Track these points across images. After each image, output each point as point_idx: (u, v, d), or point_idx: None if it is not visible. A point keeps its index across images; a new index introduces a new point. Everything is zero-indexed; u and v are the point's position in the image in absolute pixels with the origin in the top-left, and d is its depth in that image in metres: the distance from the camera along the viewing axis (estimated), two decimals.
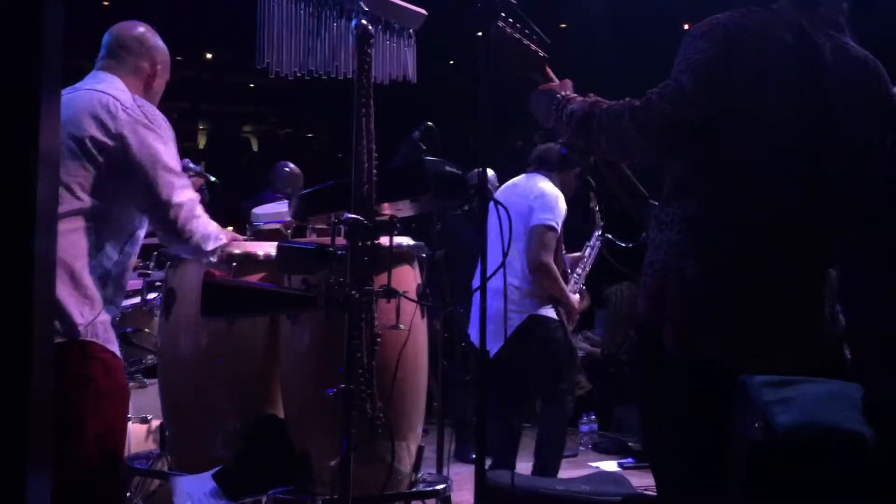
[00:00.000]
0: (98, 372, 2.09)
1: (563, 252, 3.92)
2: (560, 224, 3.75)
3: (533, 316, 3.76)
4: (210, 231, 2.28)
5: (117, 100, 2.16)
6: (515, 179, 3.99)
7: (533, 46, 2.06)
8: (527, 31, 2.04)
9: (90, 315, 2.08)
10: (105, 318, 2.14)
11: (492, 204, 4.00)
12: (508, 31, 2.02)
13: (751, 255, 1.71)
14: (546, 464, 3.82)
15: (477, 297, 3.89)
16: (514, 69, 2.06)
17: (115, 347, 2.17)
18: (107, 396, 2.11)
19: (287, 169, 6.07)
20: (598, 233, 4.15)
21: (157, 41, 2.36)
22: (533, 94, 2.01)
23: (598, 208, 4.19)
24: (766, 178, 1.71)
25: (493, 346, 3.80)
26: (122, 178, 2.15)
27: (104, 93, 2.17)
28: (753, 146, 1.70)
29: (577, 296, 3.94)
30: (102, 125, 2.12)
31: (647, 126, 1.73)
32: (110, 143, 2.12)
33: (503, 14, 2.01)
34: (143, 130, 2.14)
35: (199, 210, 2.26)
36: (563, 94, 1.92)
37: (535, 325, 3.76)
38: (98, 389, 2.09)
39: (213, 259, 2.32)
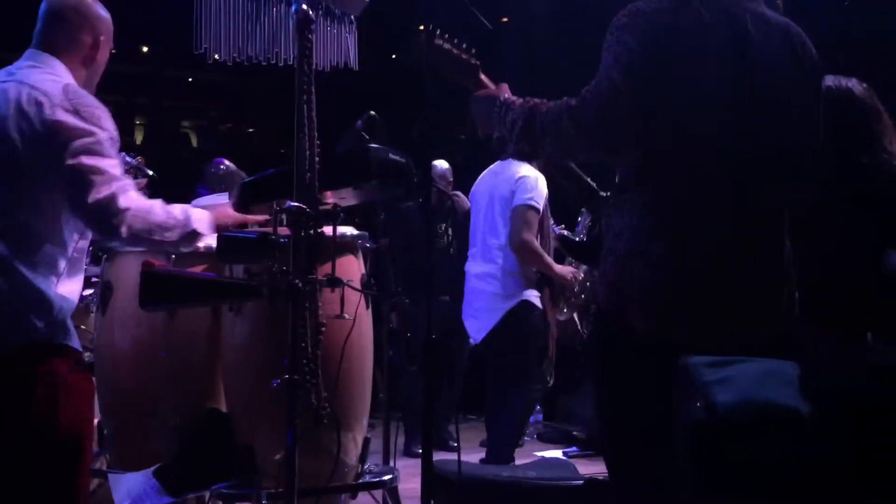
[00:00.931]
0: (64, 369, 2.01)
1: (553, 227, 3.98)
2: (541, 203, 3.83)
3: (524, 301, 3.82)
4: (152, 221, 2.04)
5: (47, 95, 1.98)
6: (493, 167, 4.08)
7: (464, 56, 2.09)
8: (456, 39, 2.07)
9: (49, 316, 2.00)
10: (63, 316, 2.05)
11: (473, 194, 4.09)
12: (437, 42, 2.04)
13: (708, 238, 1.73)
14: (501, 450, 3.86)
15: (468, 282, 3.99)
16: (447, 78, 2.09)
17: (76, 343, 2.09)
18: (76, 393, 2.04)
19: (220, 168, 5.60)
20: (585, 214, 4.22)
21: (99, 10, 2.16)
22: (471, 101, 2.03)
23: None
24: (710, 159, 1.73)
25: (482, 333, 3.86)
26: (56, 184, 1.98)
27: (33, 87, 2.00)
28: (693, 128, 1.73)
29: (569, 266, 3.99)
30: (28, 127, 1.95)
31: (586, 125, 1.75)
32: (38, 146, 1.95)
33: (431, 25, 2.03)
34: (67, 124, 1.96)
35: (130, 203, 2.00)
36: (502, 99, 1.93)
37: (525, 312, 3.83)
38: (68, 386, 2.01)
39: (195, 243, 2.13)
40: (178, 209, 2.13)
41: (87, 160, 1.97)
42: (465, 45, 2.10)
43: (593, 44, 1.86)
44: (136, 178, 4.60)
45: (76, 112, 1.98)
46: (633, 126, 1.73)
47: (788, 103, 1.77)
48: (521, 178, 3.85)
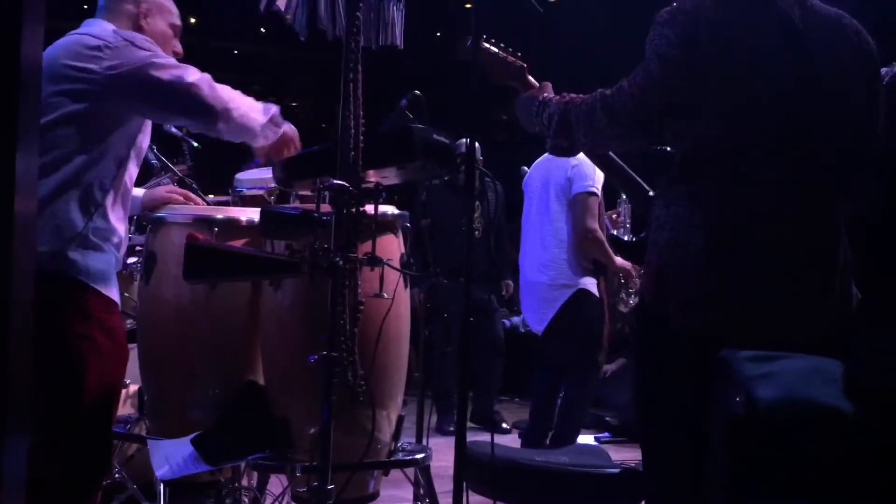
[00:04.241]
0: (99, 334, 2.06)
1: (605, 217, 3.95)
2: (600, 189, 3.77)
3: (581, 290, 3.79)
4: (251, 102, 2.16)
5: (96, 37, 2.09)
6: (546, 155, 4.00)
7: (510, 58, 2.11)
8: (502, 43, 2.08)
9: (83, 252, 2.04)
10: (95, 258, 2.08)
11: (526, 185, 4.06)
12: (484, 45, 2.06)
13: (754, 229, 1.71)
14: (567, 433, 3.86)
15: (524, 273, 3.97)
16: (493, 80, 2.10)
17: (112, 292, 2.12)
18: (107, 356, 2.08)
19: None
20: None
21: None
22: (516, 102, 2.04)
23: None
24: (760, 151, 1.71)
25: (542, 323, 3.84)
26: (121, 106, 2.08)
27: (83, 33, 2.11)
28: (743, 122, 1.70)
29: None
30: (86, 63, 2.05)
31: (617, 112, 1.76)
32: (96, 79, 2.05)
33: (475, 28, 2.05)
34: (125, 51, 2.07)
35: (216, 85, 2.14)
36: (541, 98, 1.94)
37: (583, 300, 3.79)
38: (100, 350, 2.06)
39: (279, 129, 2.20)
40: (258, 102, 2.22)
41: (155, 67, 2.07)
42: (510, 49, 2.11)
43: (645, 23, 1.84)
44: (180, 147, 4.65)
45: (126, 41, 2.08)
46: (662, 115, 1.73)
47: (844, 94, 1.74)
48: (577, 164, 3.78)
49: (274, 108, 2.23)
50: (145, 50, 2.10)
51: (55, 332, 2.00)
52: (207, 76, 2.14)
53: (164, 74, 2.07)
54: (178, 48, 2.31)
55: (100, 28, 2.15)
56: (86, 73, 2.05)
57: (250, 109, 2.15)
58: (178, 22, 2.31)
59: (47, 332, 1.99)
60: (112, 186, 2.14)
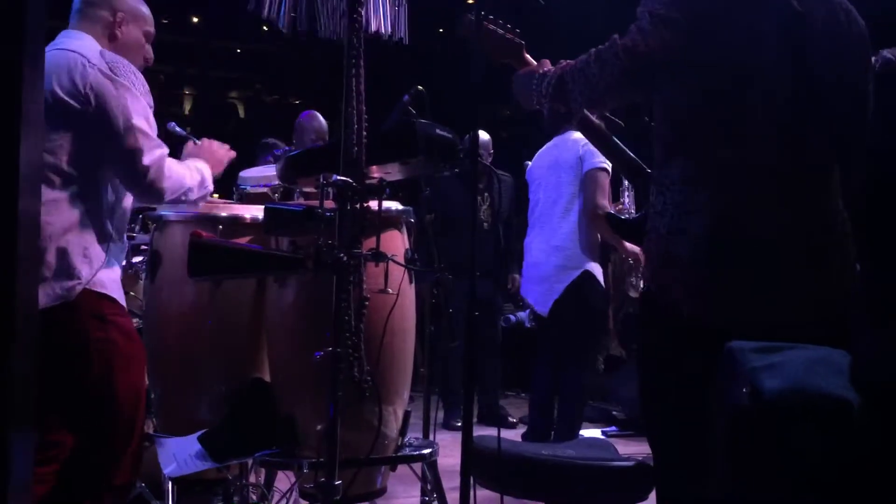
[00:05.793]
0: (118, 336, 2.09)
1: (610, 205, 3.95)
2: (611, 167, 3.73)
3: (587, 272, 3.77)
4: (185, 185, 2.24)
5: (83, 56, 2.11)
6: (551, 142, 4.01)
7: (508, 35, 2.13)
8: (500, 20, 2.08)
9: (88, 272, 2.07)
10: (106, 272, 2.12)
11: (532, 171, 4.05)
12: (483, 22, 2.07)
13: (753, 213, 1.70)
14: (569, 425, 3.86)
15: (531, 255, 3.97)
16: (492, 58, 2.11)
17: (123, 302, 2.18)
18: (130, 359, 2.11)
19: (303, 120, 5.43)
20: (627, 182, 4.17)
21: None
22: (514, 80, 2.05)
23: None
24: (753, 130, 1.70)
25: (547, 304, 3.83)
26: (97, 138, 2.11)
27: (70, 51, 2.13)
28: (735, 99, 1.70)
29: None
30: (70, 85, 2.08)
31: (609, 61, 1.78)
32: (78, 103, 2.08)
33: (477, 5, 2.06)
34: (109, 85, 2.09)
35: (169, 168, 2.20)
36: (540, 72, 1.96)
37: (588, 284, 3.78)
38: (122, 354, 2.09)
39: (208, 186, 2.32)
40: (197, 170, 2.30)
41: (129, 125, 2.11)
42: (509, 25, 2.11)
43: None
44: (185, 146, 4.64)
45: (112, 71, 2.11)
46: (655, 65, 1.75)
47: (836, 74, 1.74)
48: (586, 143, 3.73)
49: (207, 189, 2.34)
50: (127, 92, 2.12)
51: (77, 342, 2.02)
52: (160, 160, 2.17)
53: (130, 141, 2.11)
54: (150, 54, 2.35)
55: (85, 47, 2.16)
56: (69, 96, 2.08)
57: (183, 193, 2.25)
58: (151, 29, 2.35)
59: (69, 342, 2.01)
60: (122, 208, 2.20)
